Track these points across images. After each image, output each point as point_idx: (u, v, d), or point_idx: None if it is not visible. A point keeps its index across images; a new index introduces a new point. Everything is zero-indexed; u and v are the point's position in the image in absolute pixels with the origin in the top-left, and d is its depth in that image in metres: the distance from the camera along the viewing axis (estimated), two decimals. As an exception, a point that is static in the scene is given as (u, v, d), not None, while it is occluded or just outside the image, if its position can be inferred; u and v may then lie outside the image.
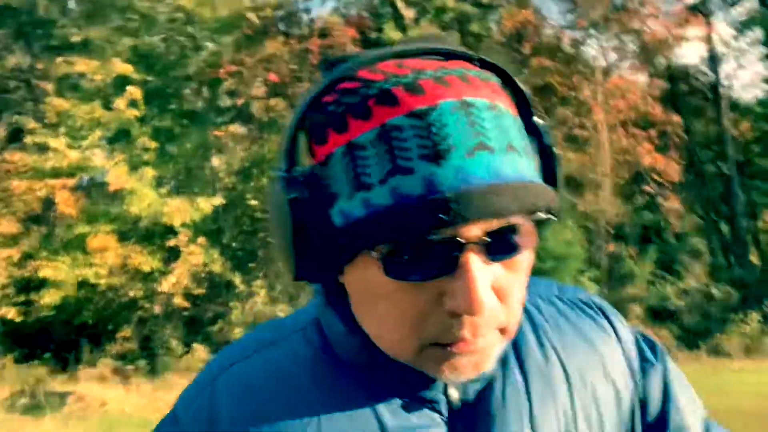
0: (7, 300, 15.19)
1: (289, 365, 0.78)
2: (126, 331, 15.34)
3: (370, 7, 18.26)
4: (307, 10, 19.11)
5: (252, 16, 16.25)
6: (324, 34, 16.99)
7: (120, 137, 15.81)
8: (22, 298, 15.33)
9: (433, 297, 0.66)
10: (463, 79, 0.67)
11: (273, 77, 16.16)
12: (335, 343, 0.78)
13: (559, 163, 0.75)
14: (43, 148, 14.97)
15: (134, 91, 15.20)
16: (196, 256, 14.74)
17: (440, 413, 0.76)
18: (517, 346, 0.81)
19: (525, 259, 0.70)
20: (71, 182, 14.80)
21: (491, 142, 0.64)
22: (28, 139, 15.39)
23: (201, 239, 14.98)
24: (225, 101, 17.57)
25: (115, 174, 14.45)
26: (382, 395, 0.75)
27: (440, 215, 0.61)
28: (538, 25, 18.12)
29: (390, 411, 0.74)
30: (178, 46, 16.84)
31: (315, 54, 15.82)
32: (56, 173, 14.75)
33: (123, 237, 15.03)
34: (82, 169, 14.91)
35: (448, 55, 0.71)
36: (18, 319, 15.09)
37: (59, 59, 15.98)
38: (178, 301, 14.80)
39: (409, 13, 16.74)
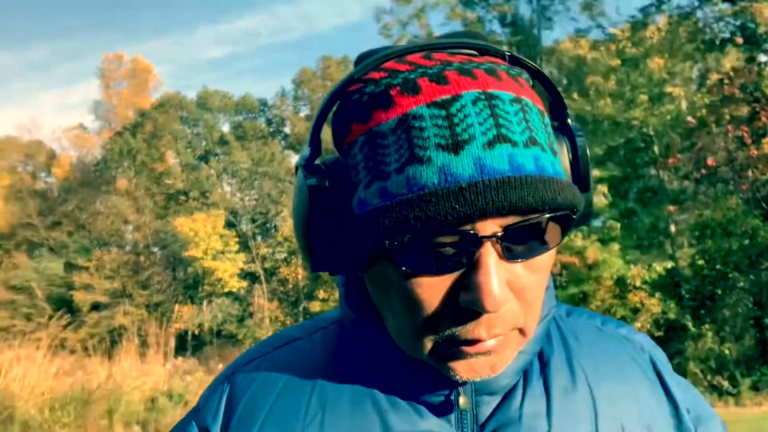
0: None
1: (304, 362, 0.77)
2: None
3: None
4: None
5: (690, 118, 20.46)
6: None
7: (594, 222, 21.59)
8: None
9: (449, 292, 0.63)
10: (490, 72, 0.64)
11: (711, 161, 20.07)
12: (350, 337, 0.76)
13: (590, 165, 0.71)
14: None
15: (602, 188, 20.88)
16: (656, 306, 19.42)
17: (450, 423, 0.72)
18: (544, 364, 0.77)
19: (546, 259, 0.66)
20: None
21: (513, 136, 0.61)
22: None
23: (658, 294, 19.65)
24: (675, 183, 22.05)
25: (592, 250, 20.14)
26: (390, 397, 0.73)
27: (455, 206, 0.58)
28: None
29: (397, 414, 0.72)
30: (635, 143, 22.08)
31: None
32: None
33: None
34: (569, 249, 20.98)
35: (480, 52, 0.68)
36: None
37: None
38: (645, 341, 19.49)
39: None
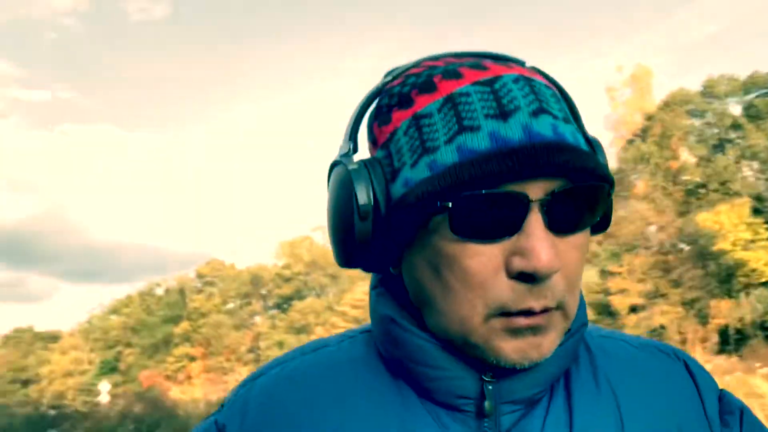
0: None
1: (327, 368, 0.77)
2: None
3: None
4: None
5: None
6: None
7: None
8: None
9: (499, 261, 0.63)
10: (522, 65, 0.70)
11: None
12: (380, 341, 0.75)
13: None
14: None
15: None
16: None
17: (471, 429, 0.71)
18: (569, 378, 0.75)
19: (585, 238, 0.67)
20: None
21: (553, 110, 0.64)
22: None
23: None
24: None
25: None
26: (412, 401, 0.72)
27: (508, 164, 0.60)
28: None
29: (416, 418, 0.71)
30: None
31: None
32: None
33: None
34: None
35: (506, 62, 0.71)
36: None
37: None
38: None
39: None
